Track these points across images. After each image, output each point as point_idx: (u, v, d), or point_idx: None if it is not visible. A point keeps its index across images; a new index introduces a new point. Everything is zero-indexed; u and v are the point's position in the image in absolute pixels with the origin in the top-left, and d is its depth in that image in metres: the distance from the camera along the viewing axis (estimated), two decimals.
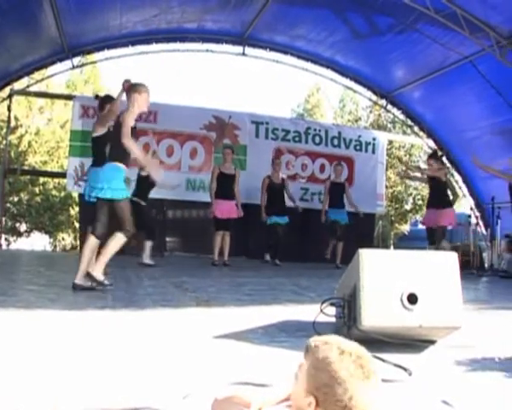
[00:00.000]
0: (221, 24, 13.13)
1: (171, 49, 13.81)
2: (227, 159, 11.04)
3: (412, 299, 3.58)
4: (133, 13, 11.97)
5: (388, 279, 3.60)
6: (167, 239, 13.26)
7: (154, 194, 10.74)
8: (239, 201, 11.04)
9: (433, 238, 10.78)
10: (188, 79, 65.48)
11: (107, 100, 7.23)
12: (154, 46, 13.40)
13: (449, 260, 3.80)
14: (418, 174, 12.26)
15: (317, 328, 3.76)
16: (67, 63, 13.31)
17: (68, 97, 17.04)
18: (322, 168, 14.17)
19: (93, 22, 12.06)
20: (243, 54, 14.22)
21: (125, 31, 12.62)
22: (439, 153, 13.63)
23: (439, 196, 10.84)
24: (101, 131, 7.08)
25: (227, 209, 10.77)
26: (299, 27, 12.93)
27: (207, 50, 14.18)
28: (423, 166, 27.35)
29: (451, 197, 11.55)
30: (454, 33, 10.94)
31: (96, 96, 7.81)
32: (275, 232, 11.36)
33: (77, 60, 13.59)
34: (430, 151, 14.71)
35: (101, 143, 6.96)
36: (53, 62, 13.21)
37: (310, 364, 1.68)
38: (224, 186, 10.75)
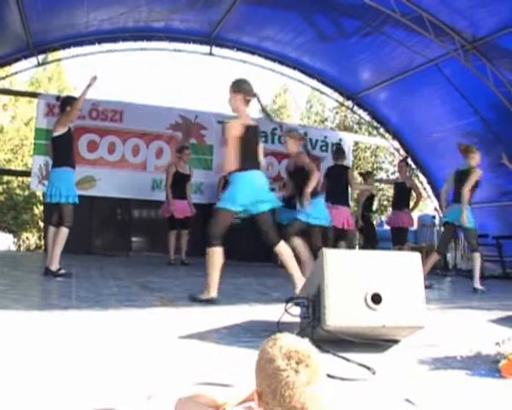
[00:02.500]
0: (188, 24, 13.07)
1: (138, 47, 13.72)
2: (184, 159, 11.01)
3: (376, 299, 3.61)
4: (100, 11, 11.86)
5: (352, 279, 3.63)
6: (133, 239, 13.17)
7: (119, 194, 10.68)
8: (190, 200, 11.27)
9: (397, 239, 11.05)
10: (154, 78, 65.13)
11: (68, 101, 7.21)
12: (121, 44, 13.29)
13: (412, 261, 3.84)
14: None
15: (281, 328, 3.76)
16: (32, 60, 13.13)
17: (33, 95, 16.83)
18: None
19: (59, 19, 11.92)
20: (210, 54, 14.19)
21: (91, 28, 12.50)
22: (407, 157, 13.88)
23: (404, 199, 11.21)
24: (60, 131, 7.04)
25: (183, 208, 10.80)
26: (267, 28, 12.94)
27: (175, 50, 14.12)
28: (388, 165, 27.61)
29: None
30: (420, 37, 11.05)
31: (58, 98, 7.81)
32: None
33: (42, 57, 13.46)
34: (394, 152, 14.99)
35: (61, 143, 6.96)
36: (17, 59, 13.03)
37: (256, 360, 1.70)
38: (180, 185, 10.76)
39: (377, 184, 24.97)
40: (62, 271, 7.03)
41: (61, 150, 7.02)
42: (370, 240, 12.30)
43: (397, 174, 13.28)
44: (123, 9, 11.81)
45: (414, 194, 11.69)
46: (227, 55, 14.48)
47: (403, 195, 11.38)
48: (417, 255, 3.90)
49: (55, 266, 7.07)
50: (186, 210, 10.89)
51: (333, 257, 3.67)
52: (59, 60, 17.60)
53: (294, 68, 14.81)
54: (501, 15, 9.97)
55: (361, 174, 13.82)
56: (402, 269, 3.79)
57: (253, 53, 14.34)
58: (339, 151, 10.29)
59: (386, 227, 13.32)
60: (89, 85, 6.79)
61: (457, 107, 12.63)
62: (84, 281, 5.81)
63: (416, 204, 11.82)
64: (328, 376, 2.43)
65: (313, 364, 1.62)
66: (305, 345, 1.67)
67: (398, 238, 11.08)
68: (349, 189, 10.16)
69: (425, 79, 12.57)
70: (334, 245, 9.84)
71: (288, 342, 1.67)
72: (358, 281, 3.64)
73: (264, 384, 1.62)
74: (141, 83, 58.67)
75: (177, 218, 10.80)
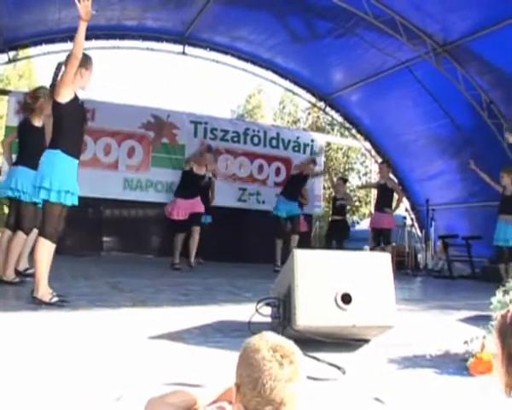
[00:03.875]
0: (161, 22, 13.01)
1: (110, 46, 13.60)
2: (202, 162, 10.73)
3: (346, 299, 3.64)
4: (72, 8, 11.62)
5: (323, 279, 3.65)
6: (104, 239, 13.08)
7: (90, 193, 10.58)
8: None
9: (378, 240, 11.31)
10: (127, 76, 64.76)
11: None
12: (93, 42, 13.15)
13: (382, 261, 3.88)
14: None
15: (252, 328, 3.78)
16: (3, 57, 12.98)
17: (3, 92, 16.62)
18: (260, 169, 14.23)
19: (30, 15, 11.77)
20: (183, 53, 14.13)
21: (63, 26, 12.36)
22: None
23: (386, 200, 11.47)
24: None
25: (186, 207, 10.64)
26: (240, 28, 12.94)
27: (147, 48, 14.04)
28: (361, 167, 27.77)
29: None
30: (392, 39, 11.13)
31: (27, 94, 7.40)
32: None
33: (13, 54, 13.31)
34: (366, 153, 15.18)
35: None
36: None
37: (240, 352, 1.71)
38: (192, 186, 10.52)
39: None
40: (30, 270, 6.91)
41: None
42: (342, 241, 12.42)
43: (369, 175, 13.48)
44: (95, 7, 11.65)
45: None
46: (200, 55, 14.45)
47: (385, 196, 11.62)
48: (388, 256, 3.94)
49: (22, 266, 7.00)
50: (190, 208, 10.41)
51: (303, 257, 3.69)
52: (30, 57, 17.37)
53: (267, 69, 14.82)
54: (471, 20, 10.09)
55: (341, 179, 14.11)
56: (372, 269, 3.83)
57: (226, 53, 14.33)
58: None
59: (359, 227, 13.47)
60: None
61: (429, 109, 12.75)
62: (54, 281, 5.72)
63: (398, 205, 11.99)
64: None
65: (297, 362, 1.63)
66: (290, 343, 1.68)
67: (380, 239, 11.35)
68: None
69: (397, 82, 12.66)
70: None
71: (275, 337, 1.69)
72: (328, 281, 3.66)
73: (245, 374, 1.62)
74: (113, 81, 58.21)
75: (177, 219, 10.43)
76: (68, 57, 5.13)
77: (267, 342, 1.66)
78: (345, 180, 14.00)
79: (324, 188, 21.63)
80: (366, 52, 12.20)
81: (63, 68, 5.18)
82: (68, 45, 12.97)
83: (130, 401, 2.26)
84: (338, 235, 12.59)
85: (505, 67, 10.62)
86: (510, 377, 1.65)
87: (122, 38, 13.40)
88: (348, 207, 15.46)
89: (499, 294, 3.57)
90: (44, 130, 6.77)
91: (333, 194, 14.06)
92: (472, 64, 11.09)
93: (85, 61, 5.22)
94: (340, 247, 12.14)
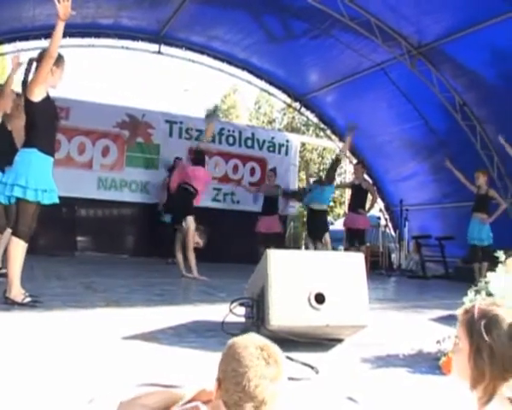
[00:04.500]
0: (137, 21, 12.94)
1: (85, 44, 13.49)
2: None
3: (319, 299, 3.65)
4: (47, 5, 11.58)
5: (296, 279, 3.66)
6: (78, 239, 12.98)
7: (64, 193, 10.47)
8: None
9: (352, 240, 11.39)
10: (102, 75, 64.31)
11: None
12: (68, 40, 13.01)
13: (355, 261, 3.90)
14: None
15: (226, 328, 3.78)
16: None
17: None
18: (235, 169, 14.23)
19: (4, 12, 11.63)
20: (159, 52, 14.08)
21: (37, 23, 12.24)
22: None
23: (360, 201, 11.54)
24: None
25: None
26: (216, 28, 12.91)
27: (123, 47, 13.96)
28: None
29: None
30: (367, 41, 11.19)
31: None
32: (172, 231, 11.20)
33: None
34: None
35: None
36: None
37: (225, 348, 1.72)
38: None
39: None
40: (3, 270, 6.76)
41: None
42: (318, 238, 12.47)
43: (344, 175, 13.58)
44: (72, 6, 11.59)
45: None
46: (176, 55, 14.41)
47: (359, 197, 11.71)
48: (361, 256, 3.97)
49: None
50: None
51: (276, 257, 3.69)
52: (3, 54, 17.19)
53: (243, 69, 14.82)
54: (445, 23, 10.19)
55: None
56: (345, 269, 3.85)
57: (201, 53, 14.30)
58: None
59: (334, 228, 13.53)
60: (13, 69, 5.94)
61: (403, 111, 12.84)
62: (26, 282, 5.67)
63: (372, 206, 12.06)
64: None
65: (281, 364, 1.65)
66: (275, 345, 1.70)
67: (354, 239, 11.42)
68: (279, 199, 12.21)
69: (372, 83, 12.73)
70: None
71: (261, 338, 1.72)
72: (302, 281, 3.67)
73: (230, 369, 1.63)
74: (88, 80, 57.86)
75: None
76: (42, 55, 5.06)
77: (254, 341, 1.68)
78: (322, 181, 14.01)
79: (299, 188, 21.68)
80: (341, 53, 12.25)
81: (35, 65, 5.12)
82: (43, 43, 12.85)
83: (103, 402, 2.25)
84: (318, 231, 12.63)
85: (478, 69, 10.74)
86: (479, 372, 1.66)
87: (97, 36, 13.31)
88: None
89: (471, 293, 3.61)
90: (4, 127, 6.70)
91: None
92: (446, 66, 11.19)
93: (57, 60, 5.13)
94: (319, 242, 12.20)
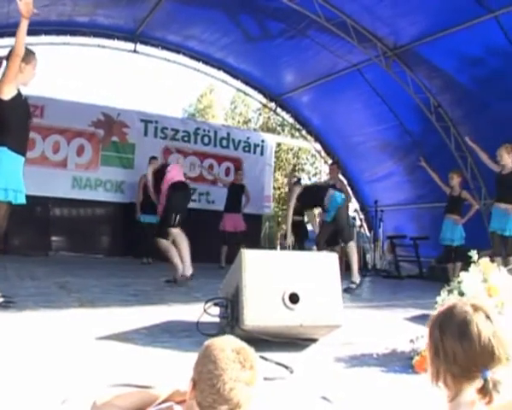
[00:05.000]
0: (113, 19, 12.86)
1: (60, 42, 13.37)
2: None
3: (294, 298, 3.67)
4: None
5: (270, 279, 3.67)
6: (52, 238, 12.87)
7: (38, 192, 10.41)
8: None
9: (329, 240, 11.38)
10: (78, 73, 63.90)
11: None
12: (44, 38, 12.91)
13: (329, 261, 3.92)
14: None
15: (201, 328, 3.78)
16: None
17: None
18: (210, 169, 14.20)
19: None
20: (135, 51, 14.01)
21: (12, 20, 12.06)
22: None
23: None
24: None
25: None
26: (192, 27, 12.88)
27: (99, 46, 13.85)
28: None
29: None
30: (343, 42, 11.23)
31: None
32: (147, 231, 11.14)
33: None
34: (316, 154, 15.30)
35: None
36: None
37: (201, 349, 1.72)
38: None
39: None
40: None
41: None
42: (298, 241, 12.52)
43: (319, 176, 13.60)
44: (45, 1, 11.50)
45: None
46: (152, 54, 14.35)
47: None
48: (335, 256, 3.99)
49: None
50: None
51: (251, 257, 3.70)
52: None
53: (219, 69, 14.80)
54: (420, 25, 10.28)
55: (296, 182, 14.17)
56: (319, 269, 3.86)
57: (178, 52, 14.25)
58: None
59: (309, 228, 13.55)
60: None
61: (378, 111, 12.91)
62: (0, 282, 5.64)
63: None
64: None
65: (256, 368, 1.66)
66: (251, 349, 1.70)
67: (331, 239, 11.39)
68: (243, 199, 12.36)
69: (347, 84, 12.78)
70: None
71: (237, 341, 1.72)
72: (276, 281, 3.68)
73: (206, 371, 1.63)
74: (63, 78, 57.45)
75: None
76: (10, 54, 5.01)
77: (231, 344, 1.68)
78: (300, 180, 14.05)
79: (274, 188, 21.74)
80: (317, 54, 12.29)
81: (4, 63, 5.07)
82: None
83: (76, 403, 2.24)
84: (298, 235, 12.66)
85: (452, 71, 10.84)
86: (434, 368, 1.69)
87: (73, 34, 13.18)
88: None
89: (444, 293, 3.65)
90: None
91: (282, 194, 14.15)
92: (421, 68, 11.28)
93: (26, 56, 5.08)
94: (301, 247, 12.23)
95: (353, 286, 8.43)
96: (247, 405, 1.62)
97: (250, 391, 1.63)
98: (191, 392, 1.66)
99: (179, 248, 8.03)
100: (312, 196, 9.46)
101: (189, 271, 7.98)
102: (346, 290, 8.21)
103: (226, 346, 1.67)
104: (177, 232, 8.03)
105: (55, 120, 12.37)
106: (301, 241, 12.65)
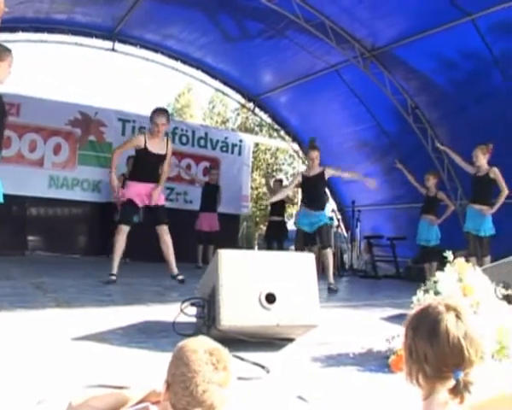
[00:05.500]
0: (91, 17, 12.78)
1: (38, 39, 13.26)
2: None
3: (270, 298, 3.67)
4: None
5: (247, 279, 3.68)
6: (29, 238, 12.77)
7: (14, 191, 10.31)
8: None
9: (306, 240, 11.42)
10: (55, 71, 63.51)
11: None
12: (20, 35, 12.80)
13: (306, 261, 3.93)
14: None
15: (177, 328, 3.77)
16: None
17: None
18: (188, 168, 14.16)
19: None
20: (113, 49, 13.94)
21: None
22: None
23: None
24: None
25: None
26: (171, 26, 12.84)
27: (76, 44, 13.76)
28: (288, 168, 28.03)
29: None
30: (321, 42, 11.27)
31: None
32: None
33: None
34: (294, 154, 15.33)
35: None
36: None
37: (175, 351, 1.72)
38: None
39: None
40: None
41: None
42: (278, 242, 12.55)
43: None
44: None
45: None
46: (130, 52, 14.28)
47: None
48: (312, 256, 4.00)
49: None
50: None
51: (227, 257, 3.70)
52: None
53: (197, 68, 14.78)
54: (398, 27, 10.35)
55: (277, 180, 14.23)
56: (296, 269, 3.88)
57: (156, 51, 14.21)
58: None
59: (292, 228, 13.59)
60: None
61: (355, 112, 12.98)
62: None
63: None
64: None
65: (230, 369, 1.66)
66: (225, 350, 1.70)
67: (306, 240, 11.42)
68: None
69: (325, 84, 12.83)
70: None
71: (211, 342, 1.72)
72: (253, 281, 3.69)
73: (179, 373, 1.63)
74: (41, 76, 56.98)
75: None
76: None
77: (204, 345, 1.68)
78: (281, 181, 14.08)
79: (252, 188, 21.75)
80: (296, 54, 12.32)
81: None
82: None
83: (51, 404, 2.23)
84: (278, 235, 12.68)
85: (430, 73, 10.94)
86: (408, 367, 1.70)
87: (51, 31, 13.08)
88: None
89: (420, 293, 3.67)
90: None
91: (260, 194, 14.17)
92: (398, 70, 11.36)
93: (1, 53, 5.01)
94: (280, 247, 12.25)
95: (333, 286, 8.52)
96: (221, 406, 1.62)
97: (224, 393, 1.63)
98: (165, 394, 1.66)
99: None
100: None
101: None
102: (329, 290, 8.36)
103: (199, 347, 1.66)
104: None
105: (31, 119, 12.27)
106: (280, 241, 12.68)
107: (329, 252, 8.86)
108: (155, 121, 7.74)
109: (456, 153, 9.47)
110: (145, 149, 7.78)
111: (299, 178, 9.28)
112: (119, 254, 7.68)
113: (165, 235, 7.94)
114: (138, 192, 7.80)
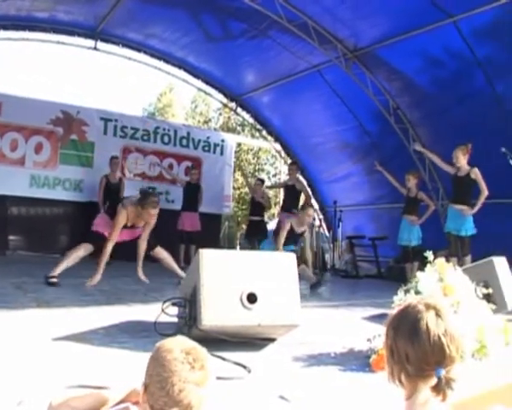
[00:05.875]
0: (73, 16, 12.69)
1: (19, 37, 13.14)
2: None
3: (252, 298, 3.68)
4: None
5: (228, 279, 3.68)
6: (10, 237, 12.66)
7: None
8: None
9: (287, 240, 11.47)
10: (37, 70, 63.05)
11: None
12: (1, 33, 12.70)
13: (287, 261, 3.94)
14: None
15: (159, 328, 3.76)
16: None
17: None
18: (170, 168, 14.12)
19: None
20: (95, 48, 13.86)
21: None
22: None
23: (293, 201, 11.62)
24: None
25: None
26: (153, 26, 12.80)
27: (58, 42, 13.66)
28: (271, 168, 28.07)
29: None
30: (304, 43, 11.27)
31: None
32: None
33: None
34: (276, 154, 15.36)
35: None
36: None
37: (152, 352, 1.71)
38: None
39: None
40: None
41: None
42: (258, 242, 12.53)
43: (279, 176, 13.71)
44: None
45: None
46: (112, 51, 14.20)
47: (292, 197, 11.79)
48: (293, 256, 4.01)
49: None
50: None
51: (208, 257, 3.70)
52: None
53: (180, 68, 14.74)
54: (380, 28, 10.38)
55: (258, 180, 14.26)
56: (277, 269, 3.88)
57: (138, 50, 14.14)
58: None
59: (268, 227, 13.60)
60: None
61: (338, 113, 13.01)
62: None
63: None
64: None
65: (207, 368, 1.66)
66: (203, 349, 1.70)
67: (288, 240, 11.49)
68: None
69: (308, 85, 12.84)
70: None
71: (188, 341, 1.72)
72: (234, 281, 3.70)
73: (155, 373, 1.63)
74: (22, 75, 56.58)
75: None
76: None
77: (180, 344, 1.68)
78: (262, 181, 14.10)
79: (234, 188, 21.74)
80: (278, 54, 12.32)
81: None
82: None
83: (32, 404, 2.22)
84: (258, 235, 12.68)
85: (411, 74, 10.99)
86: (389, 367, 1.71)
87: (32, 29, 12.96)
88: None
89: (401, 292, 3.70)
90: None
91: (242, 194, 14.19)
92: (380, 70, 11.39)
93: None
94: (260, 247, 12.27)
95: (317, 283, 8.66)
96: (199, 406, 1.62)
97: (201, 392, 1.63)
98: (143, 396, 1.66)
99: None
100: None
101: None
102: (313, 286, 8.48)
103: (175, 347, 1.66)
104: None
105: (12, 117, 12.15)
106: (260, 241, 12.68)
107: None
108: (149, 211, 7.58)
109: (434, 154, 9.53)
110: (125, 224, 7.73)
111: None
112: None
113: (160, 254, 8.13)
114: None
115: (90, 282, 7.20)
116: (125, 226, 7.74)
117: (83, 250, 7.62)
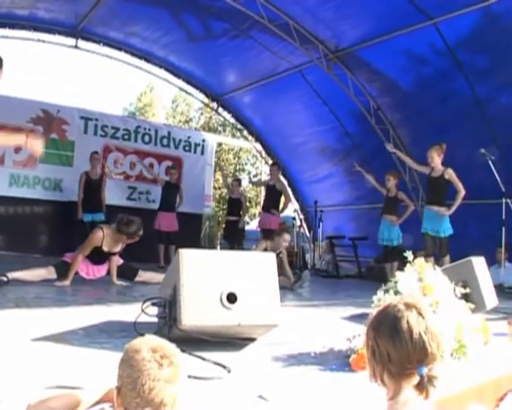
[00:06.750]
0: (54, 14, 12.61)
1: None
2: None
3: (231, 298, 3.68)
4: None
5: (208, 279, 3.68)
6: None
7: None
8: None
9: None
10: (16, 68, 62.51)
11: None
12: None
13: (267, 260, 3.95)
14: None
15: (139, 328, 3.75)
16: None
17: None
18: (150, 168, 14.08)
19: None
20: (76, 47, 13.79)
21: None
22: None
23: (274, 201, 11.64)
24: None
25: None
26: (135, 24, 12.76)
27: (39, 40, 13.56)
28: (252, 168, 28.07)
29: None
30: (285, 43, 11.30)
31: None
32: (89, 230, 10.97)
33: None
34: (257, 154, 15.38)
35: None
36: None
37: (122, 354, 1.71)
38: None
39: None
40: None
41: None
42: (236, 242, 12.52)
43: (260, 176, 13.74)
44: None
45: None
46: (93, 50, 14.13)
47: (272, 197, 11.79)
48: (273, 256, 4.02)
49: None
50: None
51: (188, 257, 3.70)
52: None
53: (161, 67, 14.72)
54: (361, 29, 10.45)
55: (236, 179, 14.27)
56: (257, 269, 3.89)
57: (119, 49, 14.09)
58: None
59: (249, 228, 13.60)
60: None
61: (319, 113, 13.05)
62: None
63: (285, 206, 12.09)
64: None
65: (177, 364, 1.65)
66: (171, 345, 1.70)
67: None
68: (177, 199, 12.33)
69: (289, 85, 12.87)
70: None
71: (156, 339, 1.72)
72: (214, 281, 3.69)
73: (125, 375, 1.62)
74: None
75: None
76: None
77: (148, 343, 1.67)
78: (239, 181, 14.12)
79: (215, 188, 21.74)
80: (260, 54, 12.34)
81: None
82: None
83: (10, 405, 2.20)
84: (235, 235, 12.67)
85: (392, 75, 11.07)
86: (371, 368, 1.72)
87: (12, 27, 12.86)
88: None
89: (380, 292, 3.72)
90: None
91: (223, 194, 14.18)
92: (361, 71, 11.45)
93: None
94: (239, 247, 12.24)
95: (296, 281, 8.74)
96: (173, 403, 1.61)
97: (173, 389, 1.62)
98: (117, 399, 1.66)
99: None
100: None
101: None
102: (294, 283, 8.56)
103: (143, 347, 1.66)
104: None
105: None
106: (241, 241, 12.68)
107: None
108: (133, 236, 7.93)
109: (406, 155, 9.58)
110: (100, 247, 7.81)
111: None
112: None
113: (143, 277, 8.50)
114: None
115: (58, 282, 7.19)
116: (99, 253, 7.85)
117: (45, 272, 7.60)
